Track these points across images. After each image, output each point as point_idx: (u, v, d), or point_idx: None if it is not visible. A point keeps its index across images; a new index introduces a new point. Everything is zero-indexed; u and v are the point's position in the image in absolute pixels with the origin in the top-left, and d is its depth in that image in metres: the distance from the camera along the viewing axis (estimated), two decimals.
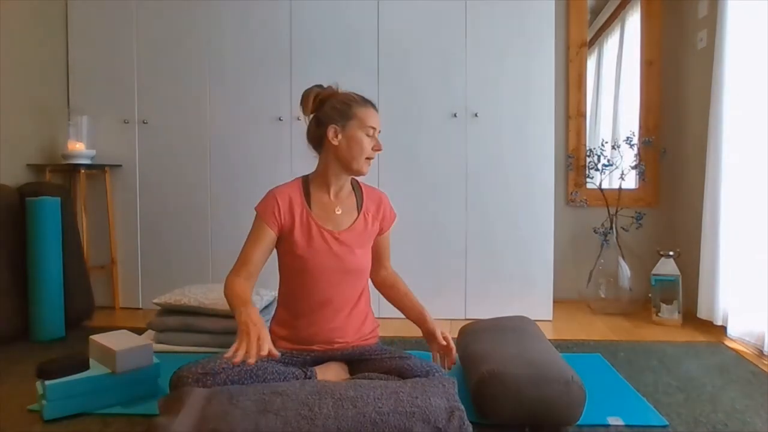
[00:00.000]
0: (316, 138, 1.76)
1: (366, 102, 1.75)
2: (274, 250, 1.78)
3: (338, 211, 1.77)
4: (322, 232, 1.72)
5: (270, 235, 1.71)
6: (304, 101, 1.75)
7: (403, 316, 1.93)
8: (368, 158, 1.74)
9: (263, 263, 1.72)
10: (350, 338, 1.76)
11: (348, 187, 1.82)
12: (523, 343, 1.77)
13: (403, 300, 1.92)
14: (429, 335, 1.83)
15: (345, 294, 1.76)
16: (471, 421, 1.35)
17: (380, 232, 1.87)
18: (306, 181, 1.80)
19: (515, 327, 1.97)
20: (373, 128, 1.73)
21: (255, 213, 1.73)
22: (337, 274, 1.73)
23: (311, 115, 1.76)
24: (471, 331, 2.02)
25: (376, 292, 1.97)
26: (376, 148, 1.74)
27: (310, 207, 1.74)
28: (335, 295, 1.74)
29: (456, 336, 1.99)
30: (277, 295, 1.89)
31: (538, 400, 1.49)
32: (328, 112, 1.72)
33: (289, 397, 1.35)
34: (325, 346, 1.74)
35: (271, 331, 1.81)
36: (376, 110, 1.76)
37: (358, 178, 1.85)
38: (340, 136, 1.70)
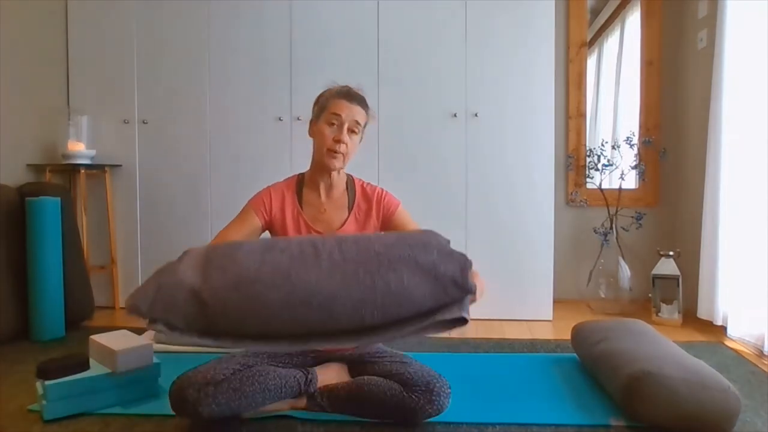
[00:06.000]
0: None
1: (341, 93, 1.70)
2: None
3: (326, 210, 1.75)
4: (312, 234, 1.71)
5: (254, 223, 1.70)
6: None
7: None
8: (330, 150, 1.67)
9: None
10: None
11: (341, 186, 1.80)
12: (663, 345, 1.76)
13: None
14: None
15: None
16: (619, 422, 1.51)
17: (385, 223, 1.78)
18: (301, 180, 1.80)
19: (641, 329, 1.95)
20: (336, 114, 1.66)
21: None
22: None
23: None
24: (591, 329, 2.03)
25: None
26: (336, 138, 1.66)
27: (301, 206, 1.75)
28: None
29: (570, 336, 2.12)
30: None
31: (695, 405, 1.48)
32: (313, 109, 1.76)
33: (293, 241, 1.36)
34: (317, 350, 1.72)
35: None
36: (353, 101, 1.68)
37: (355, 177, 1.84)
38: (312, 131, 1.74)
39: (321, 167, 1.73)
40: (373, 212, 1.78)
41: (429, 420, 1.55)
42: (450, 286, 1.25)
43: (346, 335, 1.26)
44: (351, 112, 1.67)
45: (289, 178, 1.82)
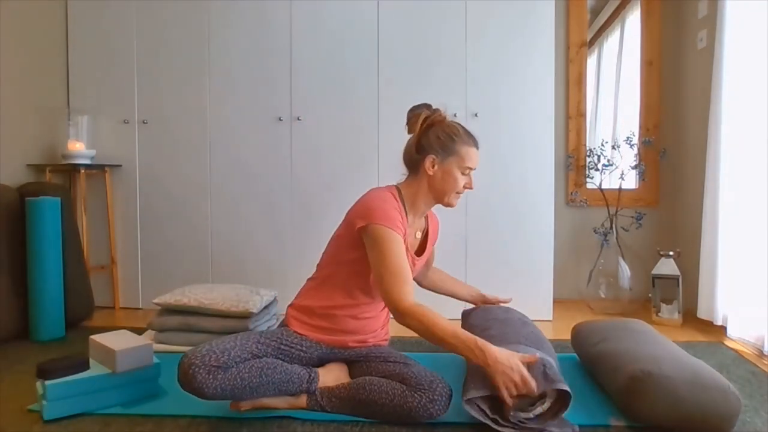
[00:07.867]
0: (413, 161, 1.78)
1: (470, 139, 1.76)
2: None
3: (418, 235, 1.85)
4: (408, 256, 1.72)
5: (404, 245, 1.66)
6: (411, 121, 1.77)
7: None
8: (459, 193, 1.78)
9: None
10: (378, 331, 1.85)
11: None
12: (663, 345, 1.76)
13: (454, 286, 2.18)
14: (480, 300, 2.16)
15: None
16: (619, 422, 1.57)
17: (430, 247, 1.97)
18: (402, 200, 1.76)
19: (641, 329, 1.94)
20: (471, 168, 1.76)
21: (380, 226, 1.61)
22: None
23: (413, 135, 1.77)
24: (591, 329, 2.03)
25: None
26: (468, 186, 1.78)
27: (406, 228, 1.72)
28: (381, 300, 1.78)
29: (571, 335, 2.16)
30: (315, 284, 1.81)
31: (695, 405, 1.47)
32: (432, 141, 1.73)
33: (492, 325, 1.86)
34: (354, 341, 1.77)
35: (294, 315, 1.80)
36: (478, 148, 1.78)
37: None
38: (436, 167, 1.73)
39: (439, 202, 1.79)
40: (434, 236, 1.96)
41: (430, 421, 1.55)
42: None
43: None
44: (478, 160, 1.80)
45: (389, 195, 1.72)
